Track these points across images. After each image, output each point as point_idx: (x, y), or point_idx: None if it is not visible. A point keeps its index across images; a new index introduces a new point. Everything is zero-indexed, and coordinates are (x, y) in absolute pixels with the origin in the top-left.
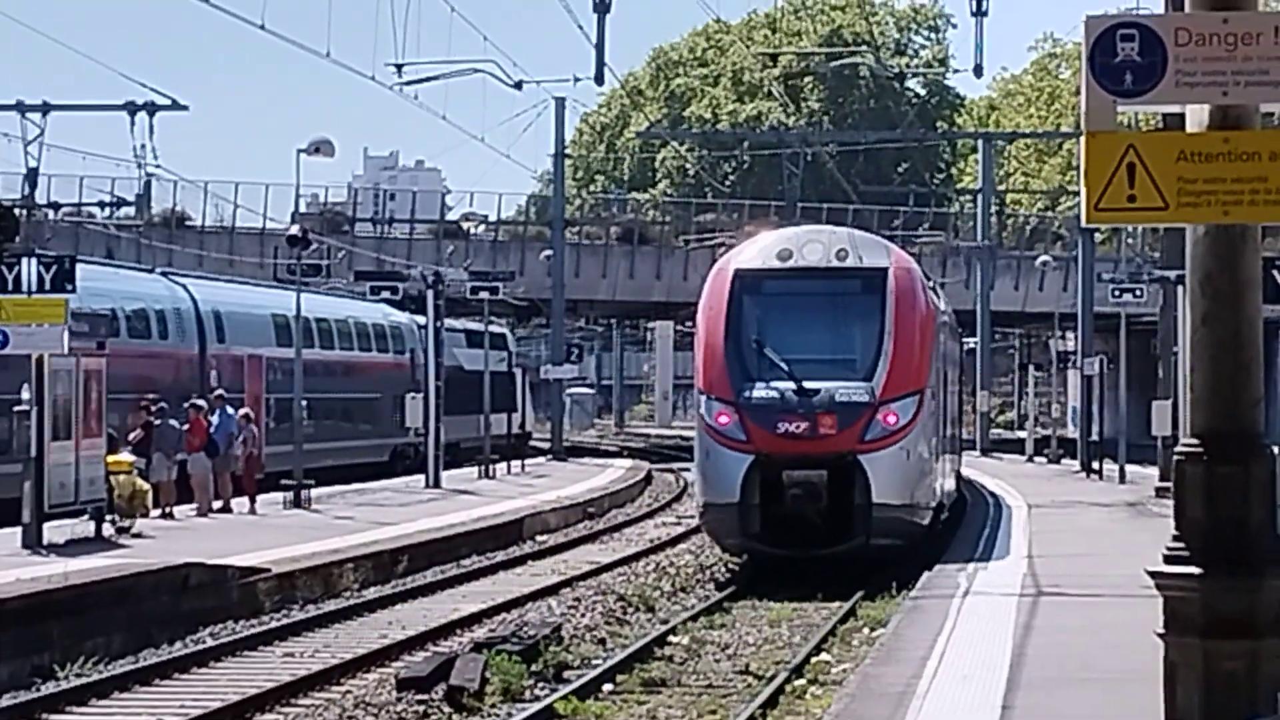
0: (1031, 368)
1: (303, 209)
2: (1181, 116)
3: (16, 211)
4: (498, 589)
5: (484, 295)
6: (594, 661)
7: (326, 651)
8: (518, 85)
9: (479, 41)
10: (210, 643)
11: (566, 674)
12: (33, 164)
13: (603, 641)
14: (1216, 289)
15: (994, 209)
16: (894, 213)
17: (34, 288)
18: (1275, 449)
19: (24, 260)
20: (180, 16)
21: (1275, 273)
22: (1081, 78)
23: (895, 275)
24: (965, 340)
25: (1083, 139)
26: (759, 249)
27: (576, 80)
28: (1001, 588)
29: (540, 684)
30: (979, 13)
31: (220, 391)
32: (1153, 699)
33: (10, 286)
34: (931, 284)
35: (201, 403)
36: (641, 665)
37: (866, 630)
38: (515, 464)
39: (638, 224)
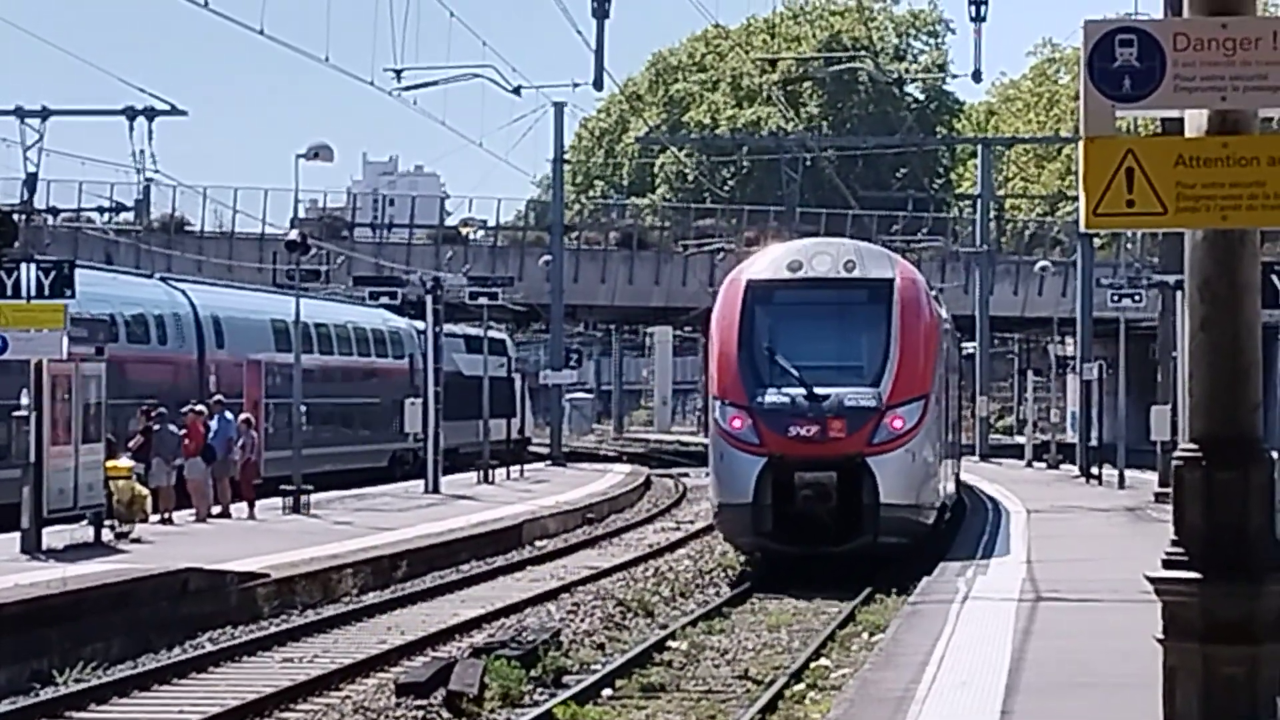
0: (1030, 373)
1: (302, 214)
2: (1180, 121)
3: (15, 217)
4: (497, 594)
5: (483, 300)
6: (593, 667)
7: (325, 657)
8: (517, 90)
9: (478, 46)
10: (209, 648)
11: (565, 679)
12: (32, 169)
13: (602, 646)
14: (1215, 294)
15: (993, 214)
16: (893, 218)
17: (33, 293)
18: (1274, 454)
19: (23, 265)
20: (179, 22)
21: (1274, 278)
22: (1080, 83)
23: (900, 285)
24: (964, 345)
25: (1081, 144)
26: (770, 260)
27: (575, 85)
28: (1000, 592)
29: (539, 689)
30: (978, 18)
31: (219, 397)
32: (1152, 704)
33: (9, 292)
34: (934, 292)
35: (200, 408)
36: (640, 670)
37: (865, 635)
38: (514, 469)
39: (636, 229)
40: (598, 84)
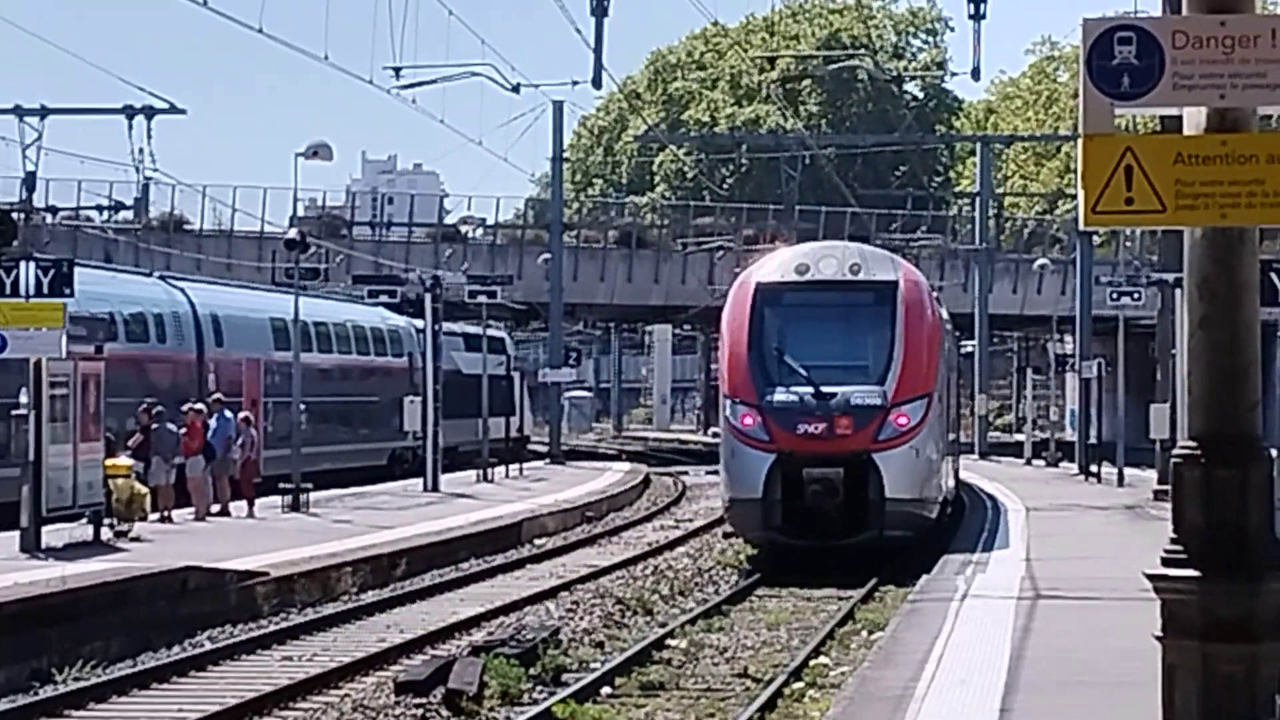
0: (1030, 371)
1: (301, 212)
2: (1179, 119)
3: (14, 215)
4: (496, 592)
5: (482, 299)
6: (592, 665)
7: (325, 655)
8: (516, 89)
9: (477, 45)
10: (208, 646)
11: (565, 677)
12: (31, 168)
13: (601, 645)
14: (1214, 292)
15: (992, 212)
16: (892, 216)
17: (32, 292)
18: (1273, 452)
19: (22, 264)
20: (178, 20)
21: (1273, 275)
22: (1079, 80)
23: (904, 287)
24: (964, 343)
25: (1080, 142)
26: (778, 264)
27: (574, 84)
28: (1000, 590)
29: (538, 687)
30: (977, 16)
31: (218, 395)
32: (1151, 702)
33: (8, 290)
34: (936, 293)
35: (200, 406)
36: (640, 668)
37: (865, 633)
38: (513, 467)
39: (636, 227)
40: (596, 82)
